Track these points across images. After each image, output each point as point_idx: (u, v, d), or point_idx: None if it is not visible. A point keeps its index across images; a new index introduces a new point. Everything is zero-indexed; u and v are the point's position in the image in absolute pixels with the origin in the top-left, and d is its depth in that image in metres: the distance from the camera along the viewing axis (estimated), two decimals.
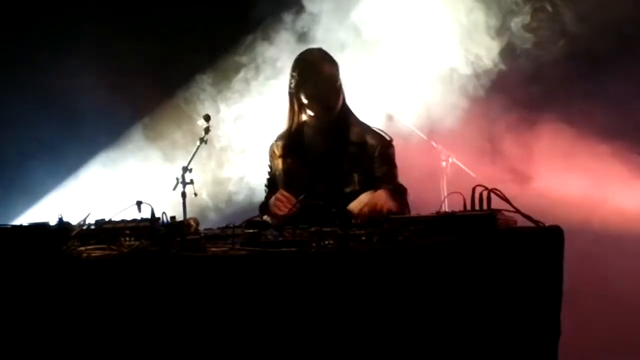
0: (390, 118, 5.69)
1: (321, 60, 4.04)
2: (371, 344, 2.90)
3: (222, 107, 6.13)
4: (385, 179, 3.97)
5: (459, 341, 2.88)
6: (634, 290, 5.51)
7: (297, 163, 4.11)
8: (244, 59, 6.16)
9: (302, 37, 5.96)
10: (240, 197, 6.19)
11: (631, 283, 5.50)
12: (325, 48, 4.27)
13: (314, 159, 4.07)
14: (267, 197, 4.22)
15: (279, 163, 4.17)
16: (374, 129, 4.12)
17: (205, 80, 6.29)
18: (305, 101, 4.02)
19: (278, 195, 3.91)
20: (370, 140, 4.05)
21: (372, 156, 4.03)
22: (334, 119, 4.05)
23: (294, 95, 4.07)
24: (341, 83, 4.06)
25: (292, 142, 4.14)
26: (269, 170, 4.28)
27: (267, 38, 6.10)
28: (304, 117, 4.11)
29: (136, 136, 6.44)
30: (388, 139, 4.10)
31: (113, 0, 6.38)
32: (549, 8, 5.66)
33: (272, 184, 4.23)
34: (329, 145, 4.05)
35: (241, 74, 6.16)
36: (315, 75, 3.98)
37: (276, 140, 4.23)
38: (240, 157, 6.22)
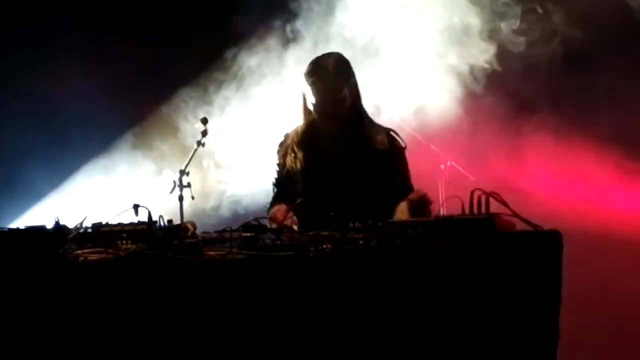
0: (379, 111, 5.68)
1: (329, 69, 3.99)
2: (369, 348, 2.89)
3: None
4: (406, 193, 3.96)
5: (457, 345, 2.88)
6: (633, 294, 5.52)
7: (314, 165, 4.09)
8: (229, 71, 6.16)
9: (288, 43, 5.97)
10: (223, 210, 6.17)
11: (628, 287, 5.52)
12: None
13: (332, 163, 4.06)
14: (275, 197, 4.20)
15: (293, 160, 4.13)
16: (392, 133, 4.12)
17: (187, 93, 6.30)
18: (309, 105, 4.04)
19: (282, 211, 3.84)
20: (390, 146, 4.05)
21: (391, 162, 4.03)
22: (344, 126, 4.04)
23: (305, 97, 4.08)
24: (351, 92, 4.03)
25: (307, 143, 4.12)
26: (277, 168, 4.24)
27: (251, 47, 6.10)
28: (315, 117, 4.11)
29: (129, 142, 6.44)
30: (403, 145, 4.11)
31: (111, 13, 6.40)
32: (549, 11, 5.67)
33: (281, 183, 4.20)
34: (348, 152, 4.04)
35: (224, 87, 6.15)
36: (319, 84, 3.96)
37: (287, 140, 4.21)
38: (225, 172, 6.20)
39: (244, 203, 6.04)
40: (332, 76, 3.97)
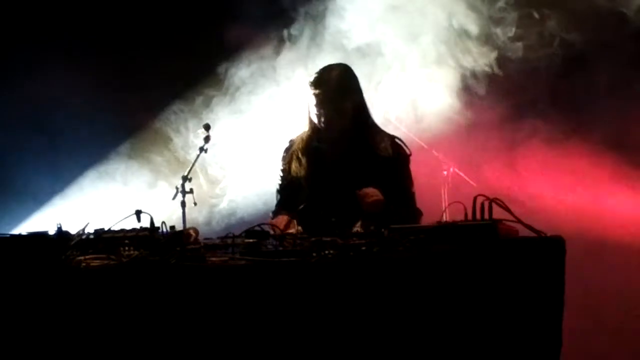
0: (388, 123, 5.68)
1: (332, 81, 4.03)
2: (372, 353, 2.88)
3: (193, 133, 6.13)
4: (403, 201, 3.99)
5: (460, 351, 2.87)
6: (632, 299, 5.52)
7: (318, 172, 4.10)
8: (221, 84, 6.14)
9: (279, 55, 5.96)
10: (215, 223, 6.14)
11: (627, 292, 5.52)
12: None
13: (335, 170, 4.07)
14: (279, 204, 4.21)
15: (298, 167, 4.15)
16: (397, 140, 4.12)
17: (178, 106, 6.29)
18: (312, 116, 4.08)
19: (283, 222, 3.85)
20: (394, 153, 4.07)
21: (394, 169, 4.04)
22: (348, 133, 4.06)
23: (309, 107, 4.11)
24: (354, 104, 4.07)
25: (311, 150, 4.14)
26: (282, 174, 4.24)
27: (242, 59, 6.10)
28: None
29: (127, 151, 6.44)
30: (408, 152, 4.11)
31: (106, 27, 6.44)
32: (551, 17, 5.67)
33: (285, 189, 4.21)
34: (351, 159, 4.05)
35: (216, 101, 6.14)
36: (322, 95, 4.01)
37: (292, 146, 4.22)
38: (217, 185, 6.17)
39: (238, 215, 6.03)
40: (335, 88, 4.01)
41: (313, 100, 4.03)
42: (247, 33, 6.10)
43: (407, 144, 4.16)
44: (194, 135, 6.01)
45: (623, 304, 5.56)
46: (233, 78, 6.10)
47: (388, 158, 4.04)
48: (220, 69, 6.13)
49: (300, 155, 4.15)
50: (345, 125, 4.04)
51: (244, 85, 6.09)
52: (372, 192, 3.87)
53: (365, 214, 3.74)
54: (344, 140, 4.06)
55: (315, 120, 4.06)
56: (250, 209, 5.87)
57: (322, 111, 4.02)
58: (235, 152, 6.07)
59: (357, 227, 3.61)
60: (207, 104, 6.13)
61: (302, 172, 4.12)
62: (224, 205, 6.12)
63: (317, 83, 4.02)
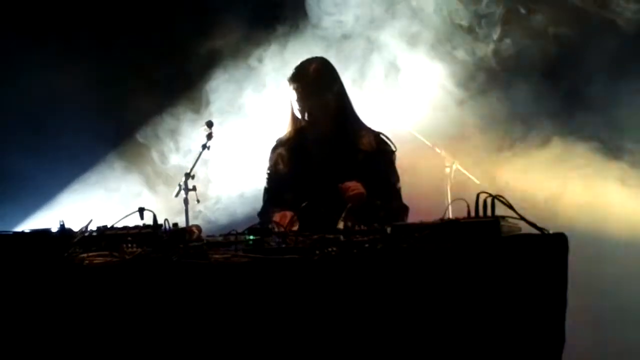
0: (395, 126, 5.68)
1: (311, 75, 4.06)
2: (375, 352, 2.88)
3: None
4: (388, 196, 4.00)
5: (462, 348, 2.87)
6: (630, 297, 5.53)
7: (303, 169, 4.12)
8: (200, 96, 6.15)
9: (267, 61, 5.97)
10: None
11: (626, 289, 5.53)
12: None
13: (319, 166, 4.08)
14: (267, 202, 4.23)
15: (283, 168, 4.16)
16: (382, 136, 4.13)
17: (165, 120, 6.29)
18: (295, 111, 4.10)
19: (287, 218, 3.86)
20: (377, 148, 4.09)
21: (376, 164, 4.05)
22: (330, 129, 4.07)
23: (291, 103, 4.12)
24: (335, 96, 4.09)
25: (295, 147, 4.16)
26: (269, 171, 4.26)
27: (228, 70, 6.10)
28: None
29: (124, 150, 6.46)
30: (393, 148, 4.12)
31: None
32: (551, 13, 5.68)
33: (272, 188, 4.23)
34: (335, 154, 4.06)
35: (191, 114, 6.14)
36: (301, 89, 4.04)
37: (278, 145, 4.23)
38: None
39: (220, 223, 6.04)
40: (314, 81, 4.04)
41: (294, 95, 4.04)
42: (229, 36, 6.11)
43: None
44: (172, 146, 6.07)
45: (622, 301, 5.57)
46: (213, 88, 6.10)
47: (371, 153, 4.07)
48: (201, 80, 6.15)
49: (284, 153, 4.16)
50: (328, 117, 4.05)
51: (225, 92, 6.08)
52: (354, 186, 3.88)
53: (348, 208, 3.74)
54: (328, 135, 4.08)
55: (299, 115, 4.08)
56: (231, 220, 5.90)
57: (303, 105, 4.05)
58: (217, 163, 6.06)
59: (340, 221, 3.62)
60: (184, 114, 6.15)
61: (286, 170, 4.14)
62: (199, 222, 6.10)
63: (295, 77, 4.06)
